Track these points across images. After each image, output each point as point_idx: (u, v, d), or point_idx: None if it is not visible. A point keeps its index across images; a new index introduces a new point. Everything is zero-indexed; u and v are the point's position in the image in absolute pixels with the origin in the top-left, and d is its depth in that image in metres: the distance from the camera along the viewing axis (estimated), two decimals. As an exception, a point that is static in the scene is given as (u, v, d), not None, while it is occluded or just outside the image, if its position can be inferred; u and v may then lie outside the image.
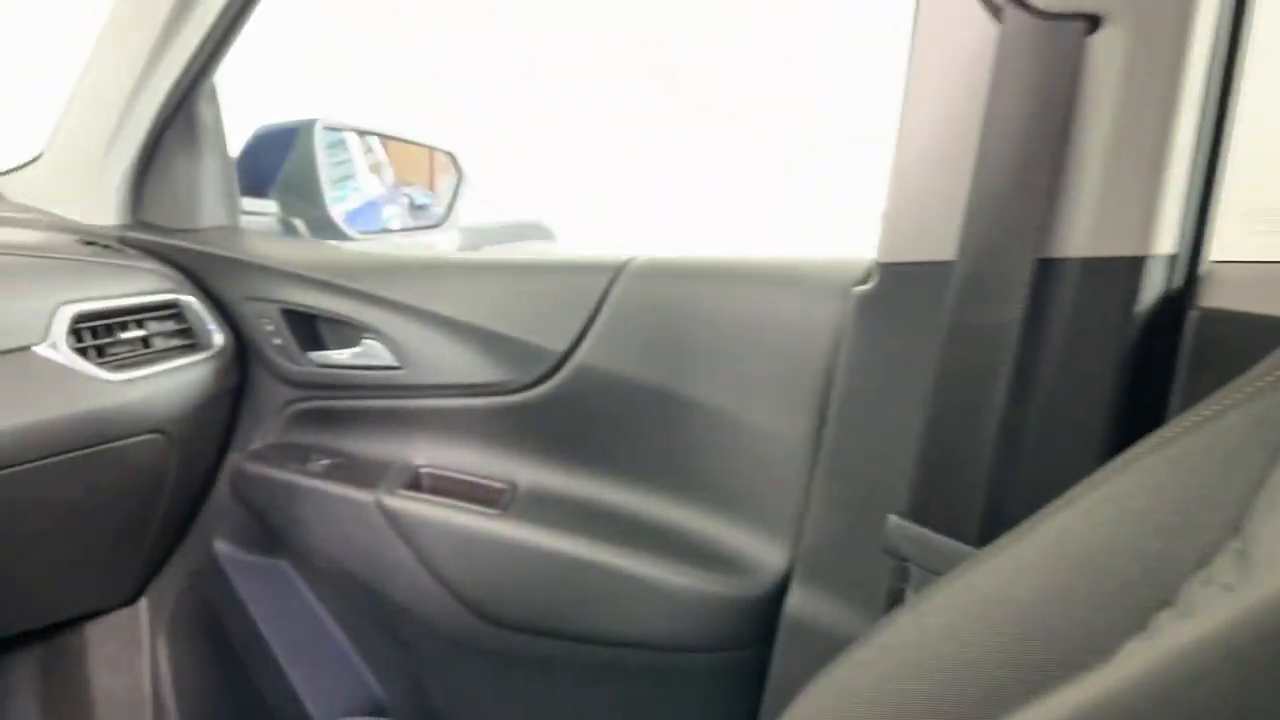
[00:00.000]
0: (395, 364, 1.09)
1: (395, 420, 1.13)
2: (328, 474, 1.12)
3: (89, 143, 1.23)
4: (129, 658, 1.34)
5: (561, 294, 1.00)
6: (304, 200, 1.36)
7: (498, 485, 1.06)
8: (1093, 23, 0.62)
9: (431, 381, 1.07)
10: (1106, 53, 0.62)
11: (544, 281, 1.03)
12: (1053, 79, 0.63)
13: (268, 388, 1.21)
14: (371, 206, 1.65)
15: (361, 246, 1.36)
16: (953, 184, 0.68)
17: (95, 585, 1.27)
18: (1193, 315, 0.62)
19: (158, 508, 1.19)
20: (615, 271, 0.96)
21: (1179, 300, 0.64)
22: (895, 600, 0.72)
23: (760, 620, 0.86)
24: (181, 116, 1.19)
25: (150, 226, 1.26)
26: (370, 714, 1.18)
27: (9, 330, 1.00)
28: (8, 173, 1.35)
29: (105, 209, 1.25)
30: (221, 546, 1.24)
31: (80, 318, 1.05)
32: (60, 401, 1.01)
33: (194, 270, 1.20)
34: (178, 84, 1.14)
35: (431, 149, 1.65)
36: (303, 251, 1.21)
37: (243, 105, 1.31)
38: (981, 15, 0.67)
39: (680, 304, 0.93)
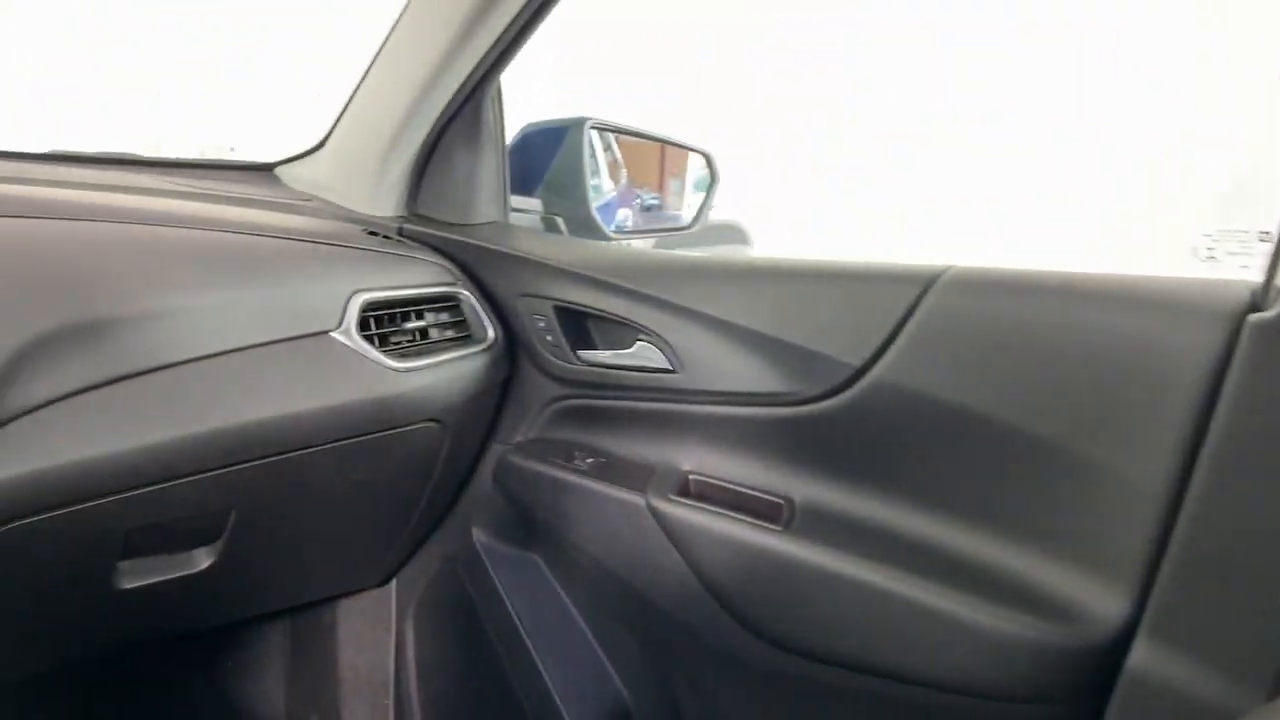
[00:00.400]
0: (669, 367, 1.07)
1: (663, 423, 1.11)
2: (593, 472, 1.11)
3: (373, 136, 1.27)
4: (376, 637, 1.38)
5: (860, 303, 0.95)
6: (566, 199, 1.37)
7: (772, 499, 1.02)
8: None
9: (707, 387, 1.05)
10: None
11: (839, 289, 0.98)
12: None
13: (534, 382, 1.22)
14: (608, 208, 1.65)
15: (637, 247, 1.35)
16: None
17: (356, 565, 1.31)
18: None
19: (424, 494, 1.22)
20: (926, 282, 0.91)
21: None
22: (1290, 672, 0.64)
23: (1090, 673, 0.79)
24: (466, 113, 1.21)
25: (426, 220, 1.29)
26: (616, 717, 1.17)
27: (310, 315, 1.03)
28: (288, 161, 1.42)
29: (384, 201, 1.29)
30: (479, 535, 1.26)
31: (369, 305, 1.08)
32: (353, 386, 1.04)
33: (469, 264, 1.22)
34: (466, 82, 1.16)
35: (691, 149, 1.63)
36: (576, 250, 1.21)
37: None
38: None
39: (1005, 321, 0.86)
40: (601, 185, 1.61)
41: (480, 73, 1.15)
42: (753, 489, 1.03)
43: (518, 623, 1.23)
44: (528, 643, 1.22)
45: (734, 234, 3.21)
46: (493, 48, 1.12)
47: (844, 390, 0.94)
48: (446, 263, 1.21)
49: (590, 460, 1.14)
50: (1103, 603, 0.79)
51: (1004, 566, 0.86)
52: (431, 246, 1.24)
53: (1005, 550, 0.86)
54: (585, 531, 1.11)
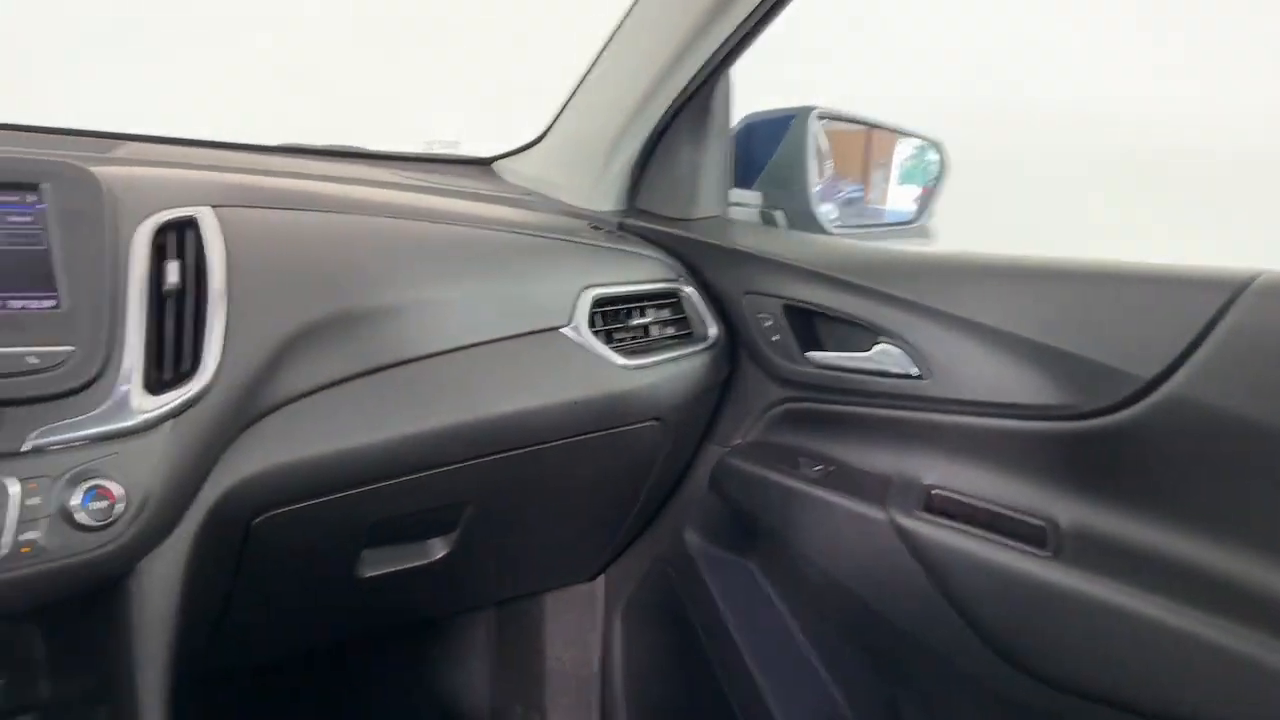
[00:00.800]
0: (915, 373, 1.00)
1: (903, 432, 1.04)
2: (824, 481, 1.06)
3: (597, 130, 1.25)
4: (582, 633, 1.38)
5: (1150, 310, 0.86)
6: (786, 192, 1.31)
7: (1031, 521, 0.93)
8: None
9: (959, 396, 0.97)
10: None
11: (1122, 293, 0.88)
12: None
13: (756, 383, 1.18)
14: (811, 200, 1.58)
15: (874, 243, 1.29)
16: None
17: (570, 561, 1.31)
18: None
19: (640, 493, 1.20)
20: (1234, 289, 0.80)
21: None
22: None
23: None
24: (694, 105, 1.18)
25: (647, 214, 1.27)
26: None
27: (543, 310, 1.03)
28: (506, 156, 1.43)
29: (605, 195, 1.28)
30: (692, 537, 1.23)
31: (598, 301, 1.07)
32: (584, 383, 1.03)
33: (690, 260, 1.19)
34: (699, 73, 1.12)
35: (922, 138, 1.55)
36: (807, 246, 1.15)
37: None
38: None
39: None
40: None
41: (715, 63, 1.11)
42: (1008, 508, 0.95)
43: (731, 628, 1.19)
44: (741, 649, 1.18)
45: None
46: (730, 36, 1.07)
47: (1129, 405, 0.85)
48: (668, 258, 1.18)
49: (819, 468, 1.09)
50: None
51: None
52: (653, 242, 1.21)
53: None
54: (813, 542, 1.06)
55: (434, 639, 1.46)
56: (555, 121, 1.33)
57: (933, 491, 1.00)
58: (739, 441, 1.20)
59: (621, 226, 1.25)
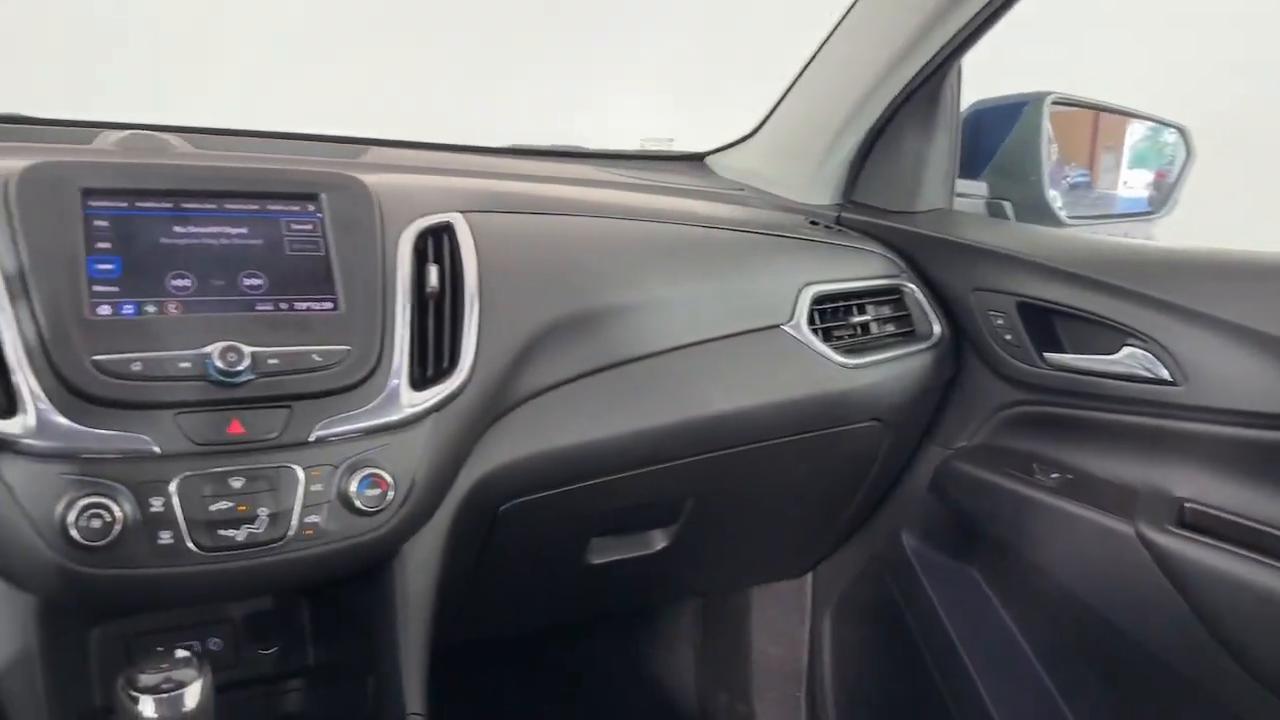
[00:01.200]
0: (1168, 378, 0.93)
1: (1153, 441, 0.97)
2: (1063, 490, 1.00)
3: (816, 122, 1.24)
4: (790, 628, 1.38)
5: None
6: (1016, 182, 1.25)
7: None
8: None
9: (1220, 405, 0.89)
10: None
11: None
12: None
13: (984, 384, 1.13)
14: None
15: (1123, 239, 1.22)
16: None
17: (783, 557, 1.31)
18: None
19: (857, 493, 1.18)
20: None
21: None
22: None
23: None
24: (922, 95, 1.14)
25: (865, 207, 1.24)
26: None
27: (763, 308, 1.03)
28: (718, 150, 1.43)
29: (822, 188, 1.26)
30: (909, 539, 1.20)
31: (818, 299, 1.05)
32: (804, 382, 1.02)
33: (913, 255, 1.16)
34: (931, 61, 1.09)
35: (1163, 123, 1.44)
36: (1043, 240, 1.09)
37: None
38: None
39: None
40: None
41: (948, 51, 1.07)
42: (1276, 527, 0.87)
43: (951, 634, 1.15)
44: (963, 656, 1.14)
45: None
46: (968, 24, 1.03)
47: None
48: (889, 253, 1.15)
49: (1055, 475, 1.03)
50: None
51: None
52: (872, 236, 1.18)
53: None
54: (1047, 553, 1.01)
55: (644, 625, 1.50)
56: (771, 115, 1.33)
57: (1186, 505, 0.93)
58: (964, 444, 1.16)
59: (839, 220, 1.23)
